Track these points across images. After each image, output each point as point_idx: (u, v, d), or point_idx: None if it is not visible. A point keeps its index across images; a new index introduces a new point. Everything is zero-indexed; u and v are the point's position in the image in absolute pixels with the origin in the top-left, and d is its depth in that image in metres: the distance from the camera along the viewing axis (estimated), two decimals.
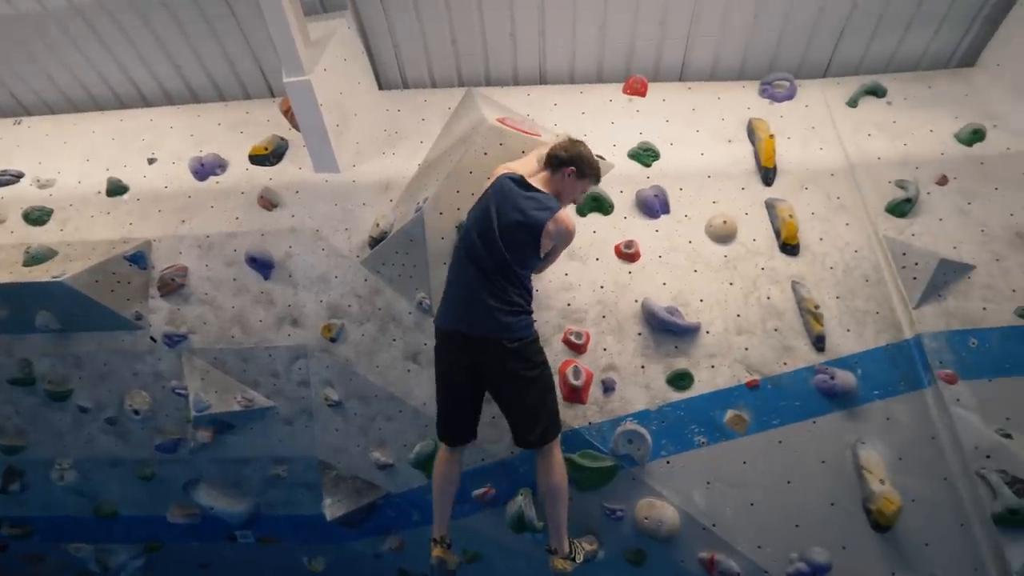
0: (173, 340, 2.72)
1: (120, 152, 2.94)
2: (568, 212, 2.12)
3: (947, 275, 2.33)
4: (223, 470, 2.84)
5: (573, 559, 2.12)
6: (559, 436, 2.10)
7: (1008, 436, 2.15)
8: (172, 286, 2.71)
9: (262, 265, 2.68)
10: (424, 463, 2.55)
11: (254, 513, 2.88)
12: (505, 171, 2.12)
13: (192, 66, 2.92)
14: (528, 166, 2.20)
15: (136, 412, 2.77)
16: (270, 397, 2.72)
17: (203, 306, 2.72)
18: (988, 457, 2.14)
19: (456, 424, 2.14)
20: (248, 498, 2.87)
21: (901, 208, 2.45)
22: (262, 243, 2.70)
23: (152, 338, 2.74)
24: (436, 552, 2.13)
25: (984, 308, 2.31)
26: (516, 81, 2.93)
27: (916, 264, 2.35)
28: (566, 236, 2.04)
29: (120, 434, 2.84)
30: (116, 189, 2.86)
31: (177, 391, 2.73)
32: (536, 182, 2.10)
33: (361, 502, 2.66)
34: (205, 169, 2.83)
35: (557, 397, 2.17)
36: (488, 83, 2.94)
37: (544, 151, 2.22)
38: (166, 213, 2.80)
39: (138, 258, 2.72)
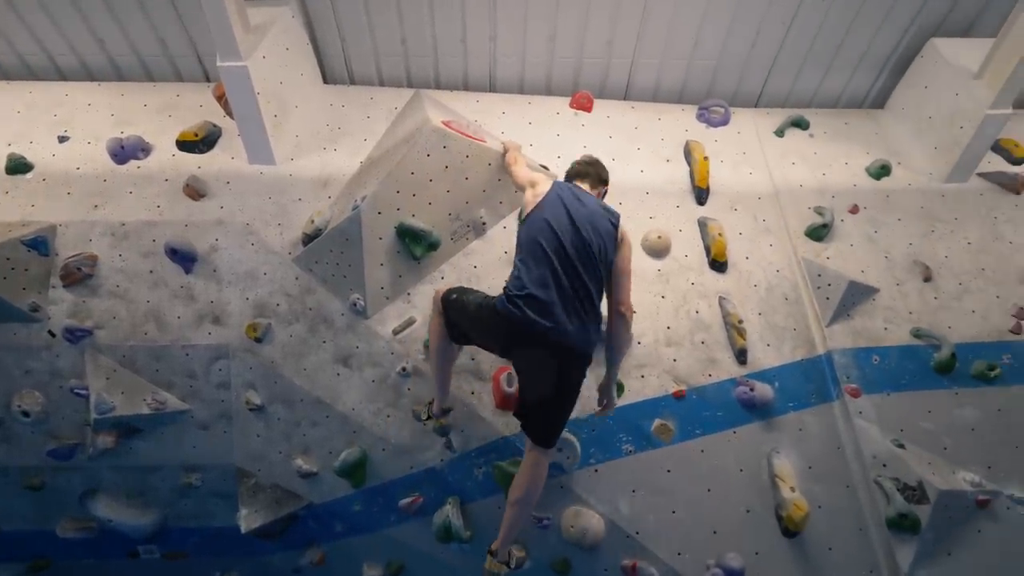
0: (76, 335, 2.47)
1: (26, 127, 2.67)
2: None
3: (855, 296, 2.53)
4: (127, 479, 2.59)
5: (508, 564, 2.07)
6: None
7: (902, 446, 2.34)
8: (77, 276, 2.48)
9: (183, 258, 2.51)
10: (350, 471, 2.44)
11: (160, 526, 2.64)
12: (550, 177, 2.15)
13: (117, 41, 2.72)
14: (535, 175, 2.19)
15: (26, 414, 2.48)
16: (185, 399, 2.52)
17: (113, 299, 2.50)
18: (884, 466, 2.32)
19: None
20: (154, 509, 2.63)
21: (818, 233, 2.65)
22: (185, 234, 2.53)
23: (51, 332, 2.48)
24: (440, 423, 2.23)
25: (885, 328, 2.51)
26: (466, 87, 2.94)
27: (829, 285, 2.53)
28: (628, 242, 2.04)
29: (5, 438, 2.53)
30: (18, 167, 2.59)
31: (76, 391, 2.48)
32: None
33: (280, 513, 2.50)
34: (125, 152, 2.62)
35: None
36: (438, 86, 2.93)
37: (527, 169, 2.28)
38: (76, 196, 2.56)
39: (39, 243, 2.46)
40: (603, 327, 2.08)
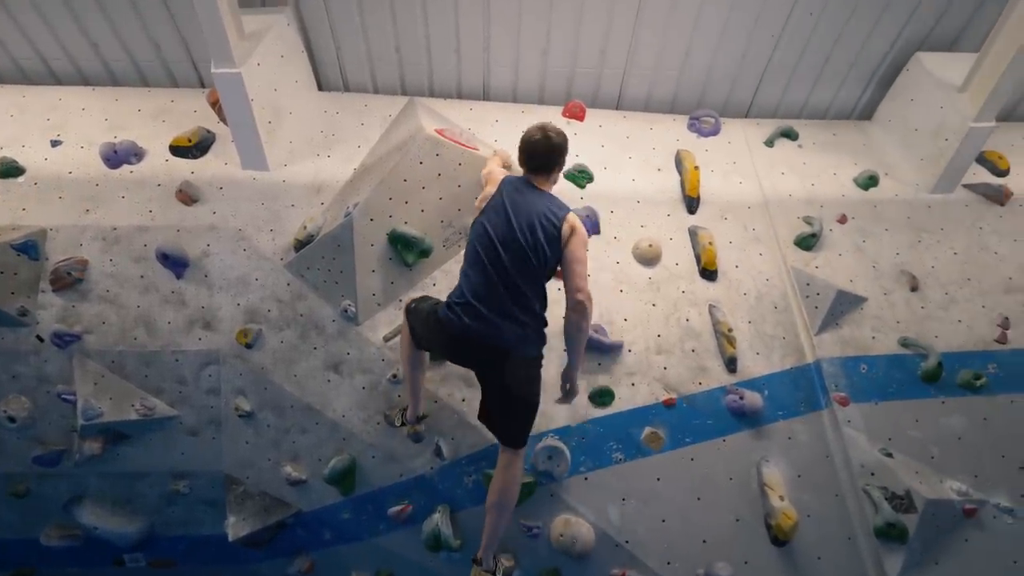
0: (64, 340, 2.46)
1: (19, 130, 2.67)
2: (574, 213, 2.01)
3: (843, 306, 2.55)
4: (113, 486, 2.57)
5: (494, 573, 2.08)
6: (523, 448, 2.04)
7: (889, 455, 2.35)
8: (67, 280, 2.47)
9: (175, 263, 2.50)
10: (339, 479, 2.43)
11: (147, 533, 2.61)
12: (504, 173, 2.11)
13: (111, 46, 2.72)
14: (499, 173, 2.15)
15: (12, 419, 2.46)
16: (174, 405, 2.51)
17: (103, 304, 2.49)
18: (872, 474, 2.33)
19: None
20: (141, 517, 2.60)
21: (807, 242, 2.68)
22: (177, 239, 2.52)
23: (39, 337, 2.46)
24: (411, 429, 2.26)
25: (873, 337, 2.54)
26: (460, 95, 2.96)
27: (818, 294, 2.56)
28: (579, 232, 1.96)
29: None
30: (10, 170, 2.58)
31: (64, 397, 2.46)
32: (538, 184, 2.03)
33: (268, 521, 2.48)
34: (118, 156, 2.62)
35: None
36: (432, 94, 2.96)
37: (504, 158, 2.26)
38: (68, 201, 2.56)
39: (29, 247, 2.45)
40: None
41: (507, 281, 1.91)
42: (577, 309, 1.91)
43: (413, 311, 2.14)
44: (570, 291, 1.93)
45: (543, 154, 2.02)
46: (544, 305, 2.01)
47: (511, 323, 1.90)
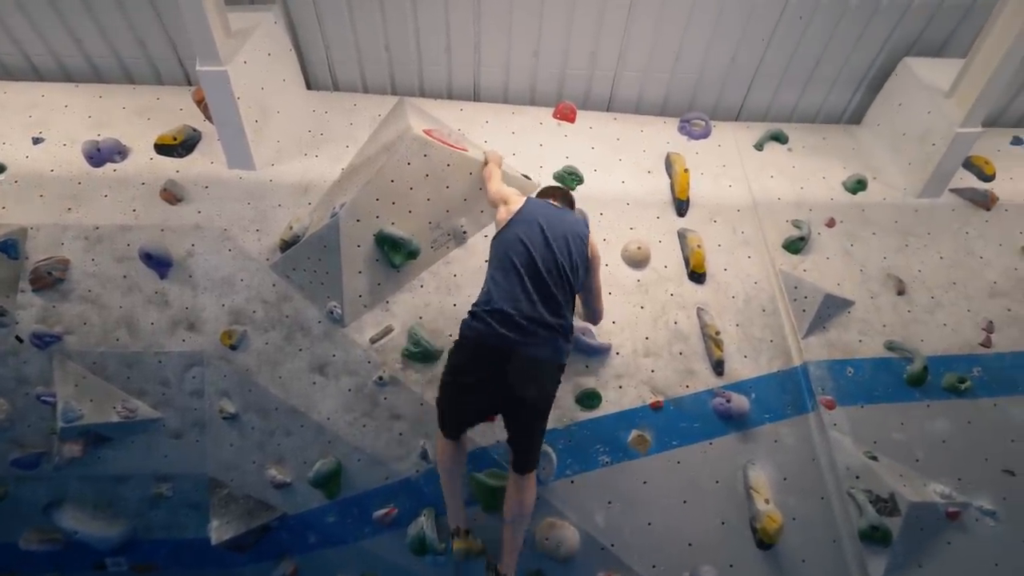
0: (44, 341, 2.42)
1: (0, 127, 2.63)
2: None
3: (831, 309, 2.56)
4: (94, 489, 2.53)
5: None
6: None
7: (874, 458, 2.36)
8: (48, 280, 2.43)
9: (158, 263, 2.47)
10: (324, 482, 2.40)
11: (129, 537, 2.57)
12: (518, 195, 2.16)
13: (95, 42, 2.68)
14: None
15: None
16: (157, 407, 2.47)
17: (85, 304, 2.45)
18: (857, 477, 2.34)
19: (462, 422, 2.04)
20: (123, 520, 2.56)
21: (795, 246, 2.68)
22: (161, 239, 2.49)
23: (18, 337, 2.42)
24: (458, 544, 2.09)
25: (860, 340, 2.55)
26: (450, 95, 2.94)
27: (805, 297, 2.57)
28: (598, 257, 2.13)
29: None
30: None
31: (43, 398, 2.42)
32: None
33: (252, 524, 2.45)
34: (101, 154, 2.58)
35: None
36: (422, 94, 2.94)
37: (501, 186, 2.26)
38: (49, 199, 2.52)
39: (8, 246, 2.41)
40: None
41: (542, 289, 1.92)
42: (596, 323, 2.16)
43: (441, 389, 2.04)
44: (596, 311, 2.18)
45: (553, 186, 2.32)
46: (572, 314, 2.03)
47: (544, 331, 1.89)
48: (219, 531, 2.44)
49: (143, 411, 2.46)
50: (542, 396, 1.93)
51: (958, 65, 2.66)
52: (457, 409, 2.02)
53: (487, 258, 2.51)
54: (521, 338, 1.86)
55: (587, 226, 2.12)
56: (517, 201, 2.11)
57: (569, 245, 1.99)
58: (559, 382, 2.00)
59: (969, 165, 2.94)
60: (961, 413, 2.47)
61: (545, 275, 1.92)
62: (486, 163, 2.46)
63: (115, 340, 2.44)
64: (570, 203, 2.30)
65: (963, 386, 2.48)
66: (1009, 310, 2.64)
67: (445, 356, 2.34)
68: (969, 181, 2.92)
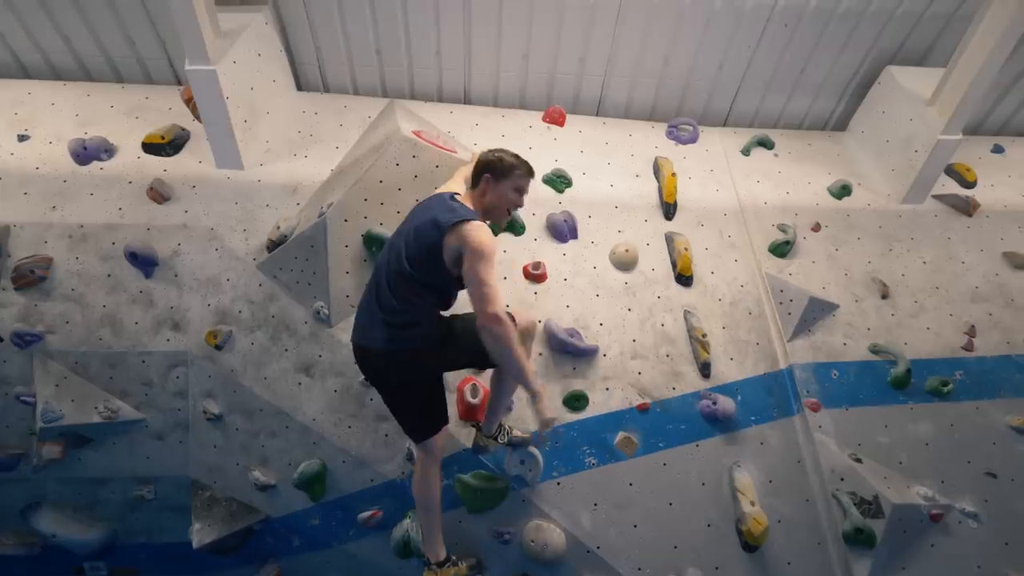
0: (25, 340, 2.38)
1: None
2: (478, 226, 1.75)
3: (816, 312, 2.58)
4: (74, 491, 2.49)
5: (497, 439, 2.06)
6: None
7: (859, 460, 2.38)
8: (30, 279, 2.39)
9: (144, 262, 2.45)
10: (309, 484, 2.38)
11: (109, 541, 2.54)
12: (442, 190, 1.97)
13: (84, 40, 2.68)
14: (458, 187, 2.05)
15: None
16: (140, 408, 2.44)
17: (67, 303, 2.42)
18: (842, 480, 2.35)
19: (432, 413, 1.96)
20: (103, 524, 2.53)
21: (781, 249, 2.71)
22: (147, 238, 2.47)
23: None
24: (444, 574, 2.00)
25: (844, 343, 2.57)
26: (440, 98, 2.96)
27: (791, 301, 2.59)
28: (471, 249, 1.71)
29: None
30: None
31: (23, 399, 2.38)
32: (464, 200, 1.89)
33: (235, 527, 2.42)
34: (88, 152, 2.56)
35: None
36: (412, 96, 2.95)
37: (468, 171, 2.10)
38: (33, 197, 2.49)
39: None
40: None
41: (380, 289, 1.85)
42: (488, 336, 1.71)
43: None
44: (476, 317, 1.73)
45: (472, 175, 1.95)
46: (412, 306, 1.84)
47: (381, 327, 1.82)
48: (201, 534, 2.41)
49: (125, 412, 2.42)
50: (396, 384, 1.89)
51: (939, 74, 2.72)
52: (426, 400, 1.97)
53: None
54: (359, 338, 1.90)
55: (449, 220, 1.75)
56: None
57: (413, 235, 1.82)
58: (413, 367, 1.86)
59: (951, 172, 3.00)
60: (944, 416, 2.49)
61: (383, 273, 1.86)
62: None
63: (98, 340, 2.41)
64: (477, 173, 1.93)
65: (946, 389, 2.51)
66: (990, 314, 2.68)
67: None
68: (951, 188, 2.98)
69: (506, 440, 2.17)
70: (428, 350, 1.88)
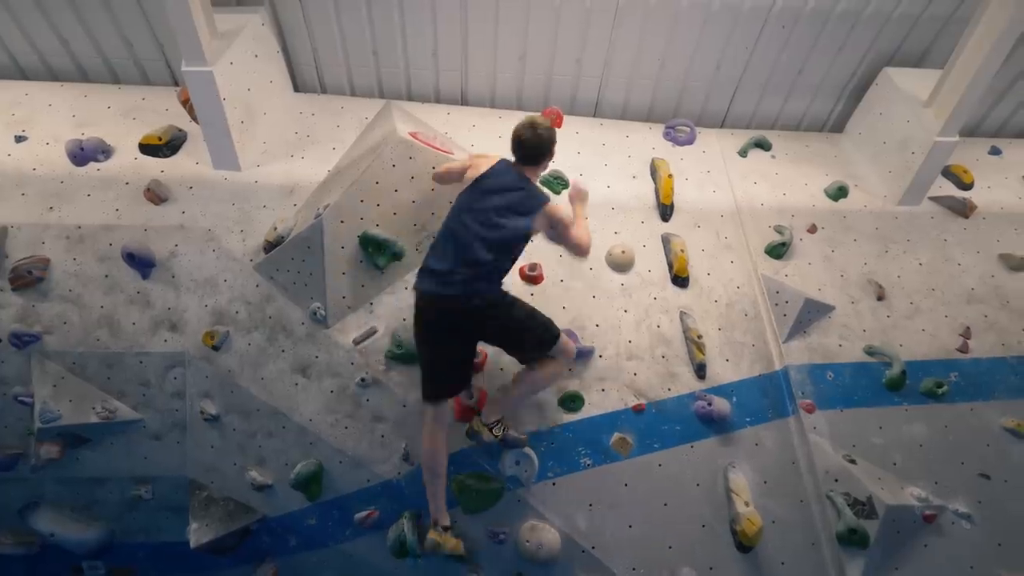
0: (23, 340, 2.39)
1: None
2: (556, 205, 2.10)
3: (811, 314, 2.59)
4: (72, 491, 2.51)
5: (492, 431, 2.14)
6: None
7: (853, 461, 2.39)
8: (28, 279, 2.40)
9: (141, 263, 2.45)
10: (306, 484, 2.39)
11: (107, 540, 2.55)
12: (488, 165, 2.12)
13: (81, 41, 2.68)
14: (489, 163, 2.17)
15: None
16: (137, 408, 2.45)
17: (65, 304, 2.43)
18: (836, 480, 2.36)
19: (448, 379, 2.12)
20: (101, 523, 2.54)
21: (777, 251, 2.72)
22: (144, 239, 2.48)
23: None
24: (433, 535, 2.11)
25: (840, 345, 2.58)
26: (438, 99, 2.96)
27: (787, 302, 2.59)
28: (562, 223, 2.08)
29: None
30: None
31: (21, 399, 2.40)
32: (532, 178, 2.13)
33: (232, 527, 2.44)
34: (85, 153, 2.57)
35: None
36: (409, 97, 2.95)
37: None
38: (31, 198, 2.50)
39: None
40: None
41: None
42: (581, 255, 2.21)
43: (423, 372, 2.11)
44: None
45: (531, 146, 2.11)
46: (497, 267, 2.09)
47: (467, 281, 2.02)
48: (199, 534, 2.42)
49: (123, 412, 2.44)
50: (442, 328, 2.02)
51: (937, 75, 2.72)
52: (441, 380, 2.10)
53: None
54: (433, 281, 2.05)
55: (537, 200, 2.06)
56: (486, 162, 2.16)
57: (505, 213, 2.04)
58: (478, 315, 2.02)
59: (948, 174, 3.00)
60: (938, 417, 2.50)
61: (468, 228, 2.03)
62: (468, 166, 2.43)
63: (95, 340, 2.42)
64: (549, 151, 2.16)
65: (940, 391, 2.52)
66: (986, 316, 2.69)
67: None
68: (948, 189, 2.98)
69: (500, 434, 2.18)
70: (494, 307, 2.06)
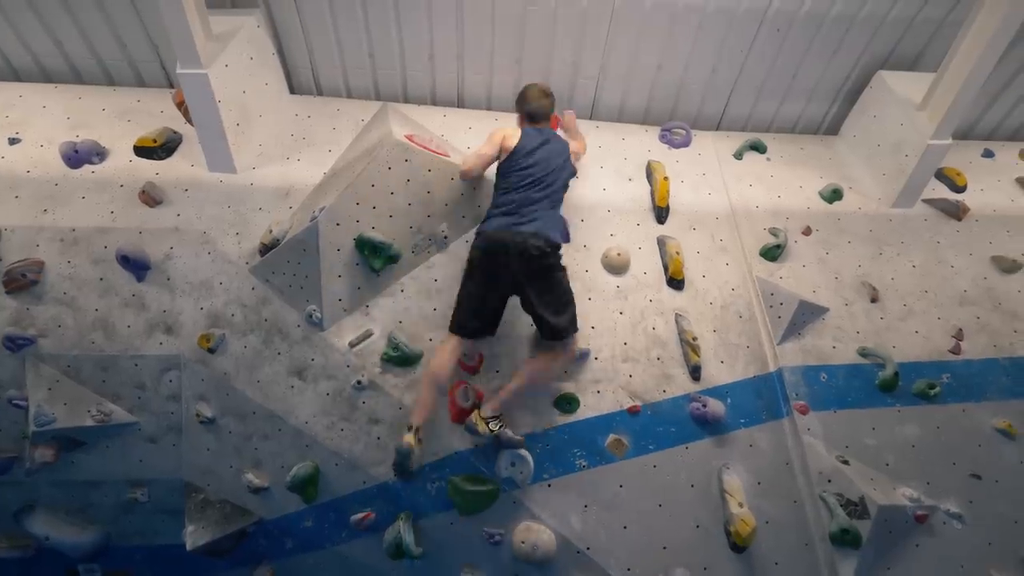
0: (17, 343, 2.38)
1: None
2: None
3: (806, 315, 2.61)
4: (67, 494, 2.50)
5: (488, 424, 2.20)
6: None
7: (846, 462, 2.41)
8: (22, 282, 2.39)
9: (136, 265, 2.45)
10: (302, 486, 2.39)
11: (102, 544, 2.55)
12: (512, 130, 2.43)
13: (75, 43, 2.67)
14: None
15: None
16: (132, 412, 2.45)
17: (59, 307, 2.42)
18: (829, 481, 2.38)
19: (482, 318, 2.28)
20: (96, 526, 2.54)
21: (772, 253, 2.73)
22: (139, 241, 2.47)
23: None
24: (408, 438, 2.16)
25: (834, 347, 2.60)
26: (434, 101, 2.96)
27: (781, 304, 2.61)
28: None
29: None
30: None
31: (15, 402, 2.39)
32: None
33: (229, 529, 2.44)
34: (79, 156, 2.56)
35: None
36: (406, 100, 2.95)
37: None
38: (25, 200, 2.49)
39: None
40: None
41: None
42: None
43: (458, 308, 2.25)
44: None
45: (546, 111, 2.50)
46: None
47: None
48: (195, 536, 2.42)
49: (118, 415, 2.43)
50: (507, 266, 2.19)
51: (930, 78, 2.73)
52: (483, 321, 2.27)
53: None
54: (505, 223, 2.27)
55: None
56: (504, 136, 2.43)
57: (563, 161, 2.41)
58: (544, 257, 2.22)
59: (941, 176, 3.03)
60: (931, 418, 2.52)
61: (545, 175, 2.34)
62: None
63: (90, 343, 2.42)
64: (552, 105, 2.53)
65: (933, 392, 2.54)
66: (978, 318, 2.71)
67: (424, 360, 2.38)
68: (942, 192, 3.00)
69: (496, 429, 2.20)
70: (553, 256, 2.26)
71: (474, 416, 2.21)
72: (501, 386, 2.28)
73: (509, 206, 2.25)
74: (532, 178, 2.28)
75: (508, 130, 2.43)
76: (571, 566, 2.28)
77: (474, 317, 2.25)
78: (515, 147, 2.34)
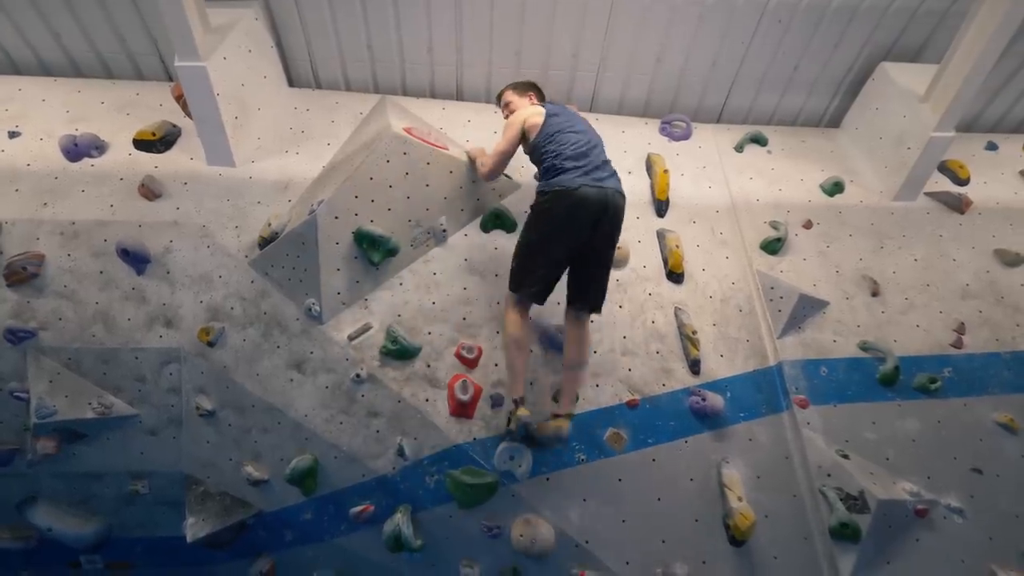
0: (18, 336, 2.39)
1: None
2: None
3: (806, 309, 2.59)
4: (69, 486, 2.51)
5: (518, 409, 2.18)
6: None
7: (846, 456, 2.40)
8: (22, 275, 2.40)
9: (136, 259, 2.45)
10: (301, 479, 2.40)
11: (104, 535, 2.57)
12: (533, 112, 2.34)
13: (74, 36, 2.66)
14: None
15: None
16: (133, 404, 2.46)
17: (60, 300, 2.43)
18: (829, 475, 2.37)
19: (547, 280, 2.24)
20: (98, 518, 2.55)
21: (773, 246, 2.71)
22: (139, 235, 2.47)
23: None
24: (522, 412, 2.16)
25: (834, 340, 2.58)
26: (433, 94, 2.95)
27: (781, 298, 2.60)
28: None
29: None
30: None
31: (16, 394, 2.40)
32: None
33: (229, 521, 2.45)
34: (79, 149, 2.56)
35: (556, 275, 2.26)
36: (404, 92, 2.94)
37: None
38: (25, 193, 2.49)
39: None
40: None
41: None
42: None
43: (519, 269, 2.22)
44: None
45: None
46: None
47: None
48: (195, 528, 2.43)
49: (119, 407, 2.44)
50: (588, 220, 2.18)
51: (933, 70, 2.70)
52: (547, 287, 2.24)
53: (467, 256, 2.55)
54: (592, 176, 2.22)
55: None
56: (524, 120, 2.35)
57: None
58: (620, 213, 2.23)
59: (944, 169, 3.00)
60: (931, 413, 2.51)
61: (594, 139, 2.33)
62: (473, 159, 2.49)
63: (91, 336, 2.42)
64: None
65: (934, 386, 2.52)
66: (980, 312, 2.69)
67: (422, 354, 2.38)
68: (944, 185, 2.97)
69: (516, 424, 2.15)
70: (623, 213, 2.24)
71: (516, 411, 2.15)
72: (559, 389, 2.29)
73: (585, 166, 2.16)
74: (589, 144, 2.23)
75: (524, 113, 2.33)
76: (570, 559, 2.28)
77: (543, 280, 2.19)
78: (545, 121, 2.24)
